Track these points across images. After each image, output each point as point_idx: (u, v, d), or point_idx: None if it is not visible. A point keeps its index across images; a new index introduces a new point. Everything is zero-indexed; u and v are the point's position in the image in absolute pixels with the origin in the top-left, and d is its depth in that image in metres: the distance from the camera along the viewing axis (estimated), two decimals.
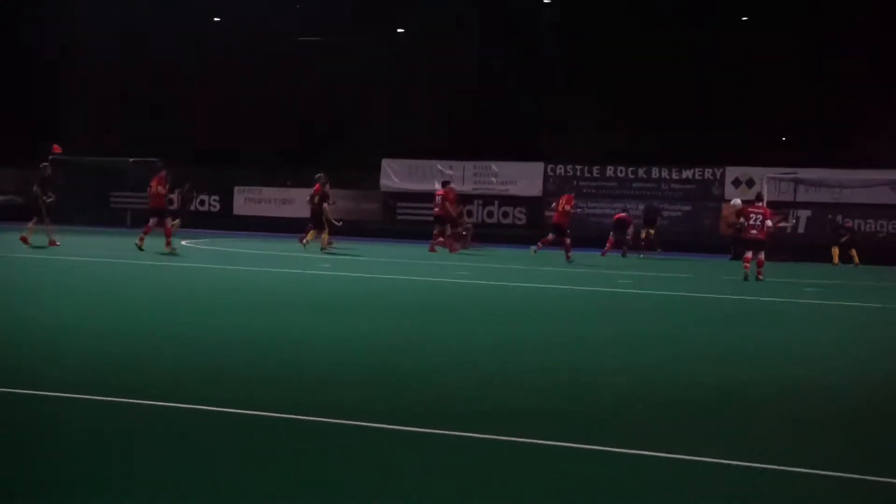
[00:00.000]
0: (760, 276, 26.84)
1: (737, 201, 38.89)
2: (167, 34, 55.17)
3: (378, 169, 49.23)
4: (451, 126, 51.87)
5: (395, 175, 48.72)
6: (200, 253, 31.46)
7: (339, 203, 48.83)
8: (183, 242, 36.58)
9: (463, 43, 53.09)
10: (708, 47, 49.60)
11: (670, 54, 49.82)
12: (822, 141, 47.31)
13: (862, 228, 41.48)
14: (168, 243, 29.75)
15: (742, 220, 28.37)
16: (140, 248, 29.48)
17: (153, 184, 30.76)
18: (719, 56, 49.58)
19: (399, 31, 55.59)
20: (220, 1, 54.95)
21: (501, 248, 40.58)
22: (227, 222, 49.74)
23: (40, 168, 31.42)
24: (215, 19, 56.66)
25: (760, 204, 28.47)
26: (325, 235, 33.44)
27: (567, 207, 33.71)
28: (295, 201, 48.25)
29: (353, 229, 45.24)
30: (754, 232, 27.23)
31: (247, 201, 51.47)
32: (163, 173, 31.00)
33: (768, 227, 27.71)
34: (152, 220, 30.61)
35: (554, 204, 35.81)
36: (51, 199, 30.72)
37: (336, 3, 52.86)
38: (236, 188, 51.74)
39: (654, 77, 49.88)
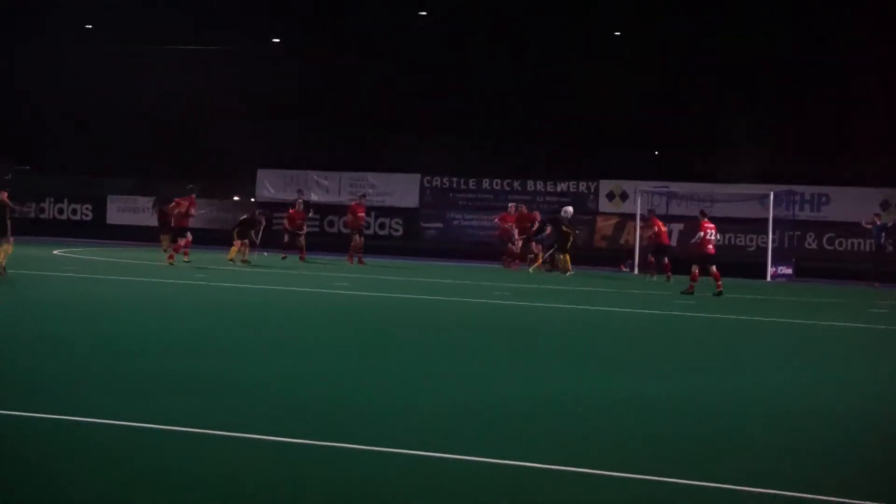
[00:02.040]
0: (720, 289, 27.62)
1: (568, 209, 38.34)
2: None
3: (253, 179, 48.90)
4: (328, 137, 51.63)
5: (271, 185, 48.40)
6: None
7: (214, 213, 48.46)
8: (55, 252, 36.05)
9: (340, 54, 52.93)
10: (582, 63, 50.04)
11: (546, 68, 50.18)
12: (692, 155, 48.04)
13: (732, 242, 42.26)
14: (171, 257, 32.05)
15: (701, 234, 28.68)
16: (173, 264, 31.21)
17: (183, 203, 33.19)
18: (593, 70, 50.06)
19: (274, 40, 55.26)
20: (93, 10, 54.08)
21: (382, 258, 40.32)
22: (99, 231, 48.96)
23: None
24: (87, 26, 55.78)
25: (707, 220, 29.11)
26: (243, 248, 34.30)
27: (664, 229, 35.27)
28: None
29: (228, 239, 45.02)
30: (711, 246, 28.00)
31: (120, 210, 50.78)
32: (193, 196, 33.90)
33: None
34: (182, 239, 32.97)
35: (651, 232, 35.63)
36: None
37: (212, 10, 52.44)
38: (109, 197, 51.09)
39: (530, 91, 50.19)
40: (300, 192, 41.61)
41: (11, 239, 24.69)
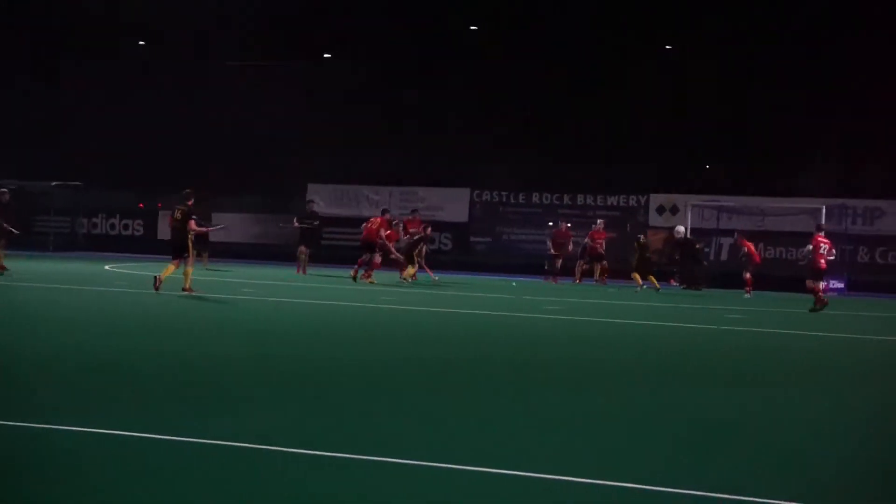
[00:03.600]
0: (818, 306, 27.59)
1: (680, 229, 38.77)
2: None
3: (303, 194, 49.02)
4: (378, 152, 51.62)
5: (321, 200, 48.49)
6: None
7: (262, 227, 48.73)
8: (106, 267, 36.32)
9: (394, 69, 52.95)
10: (634, 76, 49.68)
11: (595, 81, 49.91)
12: (746, 169, 47.62)
13: (783, 256, 41.96)
14: (368, 275, 33.43)
15: (810, 247, 28.77)
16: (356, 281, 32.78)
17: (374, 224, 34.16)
18: (645, 83, 49.70)
19: (326, 56, 55.42)
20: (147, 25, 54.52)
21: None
22: (151, 246, 49.32)
23: None
24: (140, 42, 56.22)
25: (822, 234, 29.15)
26: (411, 269, 34.85)
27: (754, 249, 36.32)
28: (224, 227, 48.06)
29: (279, 253, 45.39)
30: (823, 261, 27.97)
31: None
32: (387, 216, 35.25)
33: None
34: (365, 255, 33.88)
35: (742, 252, 36.59)
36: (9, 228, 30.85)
37: (261, 26, 52.71)
38: (161, 213, 51.37)
39: (578, 104, 49.92)
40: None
41: (191, 260, 25.49)
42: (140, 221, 51.59)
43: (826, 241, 28.71)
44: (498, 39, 51.81)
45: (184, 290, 24.82)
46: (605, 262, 38.85)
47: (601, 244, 38.87)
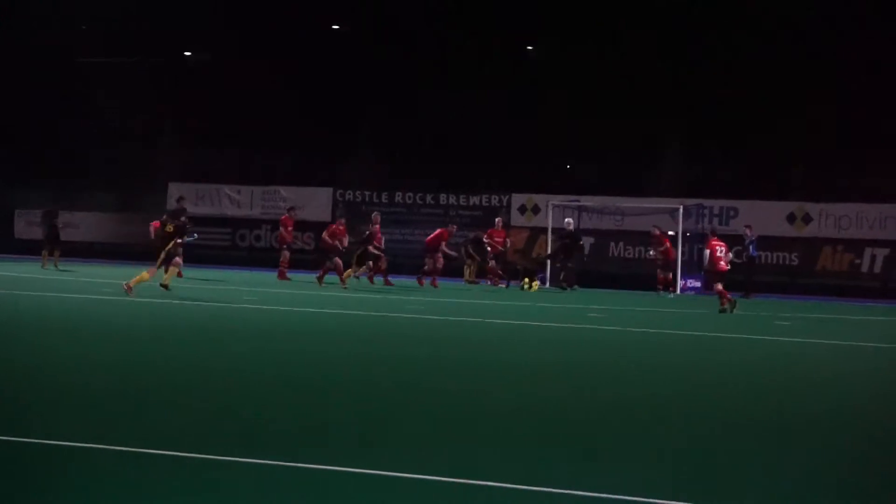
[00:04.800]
0: (725, 306, 28.03)
1: (568, 220, 39.30)
2: None
3: (164, 192, 48.42)
4: (239, 151, 51.28)
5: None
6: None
7: (115, 226, 48.13)
8: None
9: (255, 67, 52.59)
10: (494, 78, 49.98)
11: (456, 80, 50.08)
12: (604, 169, 48.17)
13: (642, 256, 42.62)
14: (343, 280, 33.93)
15: (708, 252, 29.30)
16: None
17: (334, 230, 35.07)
18: (506, 82, 50.03)
19: (186, 53, 54.82)
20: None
21: (296, 273, 40.12)
22: (6, 245, 48.38)
23: None
24: None
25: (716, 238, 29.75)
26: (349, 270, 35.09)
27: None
28: (80, 226, 47.42)
29: (132, 252, 44.81)
30: (723, 263, 28.37)
31: (28, 224, 50.02)
32: (342, 221, 35.79)
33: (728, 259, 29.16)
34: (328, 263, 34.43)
35: (661, 249, 37.53)
36: None
37: (121, 24, 51.92)
38: (17, 211, 50.45)
39: (440, 103, 50.03)
40: None
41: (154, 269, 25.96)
42: None
43: (721, 243, 29.42)
44: (360, 37, 51.75)
45: (162, 285, 25.99)
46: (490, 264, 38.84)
47: (502, 242, 39.17)
